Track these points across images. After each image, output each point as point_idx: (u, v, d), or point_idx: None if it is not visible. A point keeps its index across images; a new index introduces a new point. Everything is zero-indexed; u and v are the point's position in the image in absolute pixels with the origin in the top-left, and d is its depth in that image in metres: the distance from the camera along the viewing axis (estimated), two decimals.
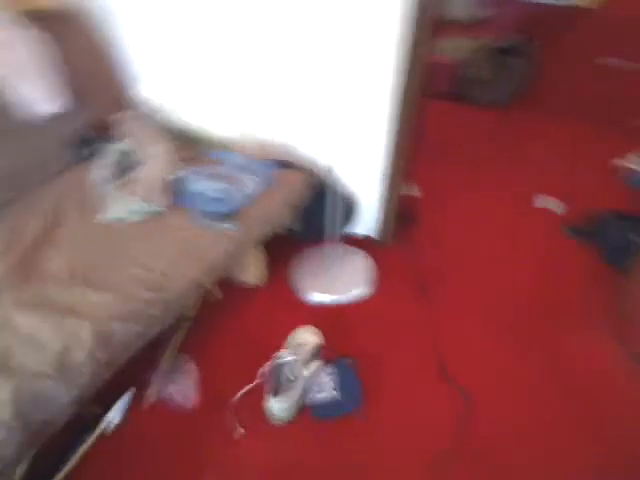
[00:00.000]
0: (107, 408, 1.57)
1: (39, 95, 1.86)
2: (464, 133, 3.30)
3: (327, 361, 1.71)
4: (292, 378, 1.61)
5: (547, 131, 3.33)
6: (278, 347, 1.73)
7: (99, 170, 1.86)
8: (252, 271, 2.03)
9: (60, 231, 1.68)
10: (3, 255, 1.56)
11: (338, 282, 2.09)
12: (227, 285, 1.99)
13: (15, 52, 1.81)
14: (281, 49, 1.92)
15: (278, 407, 1.54)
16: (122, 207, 1.72)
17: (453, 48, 3.52)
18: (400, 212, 2.30)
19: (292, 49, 1.89)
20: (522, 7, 4.00)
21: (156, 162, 1.88)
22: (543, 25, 3.91)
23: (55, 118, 1.93)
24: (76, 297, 1.42)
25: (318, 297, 2.03)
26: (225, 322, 1.93)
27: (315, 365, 1.66)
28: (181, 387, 1.66)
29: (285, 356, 1.64)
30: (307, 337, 1.74)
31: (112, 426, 1.56)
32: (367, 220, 2.27)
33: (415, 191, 2.64)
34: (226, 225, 1.68)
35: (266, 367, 1.67)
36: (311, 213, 2.05)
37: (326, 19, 1.74)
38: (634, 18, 3.68)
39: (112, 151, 1.92)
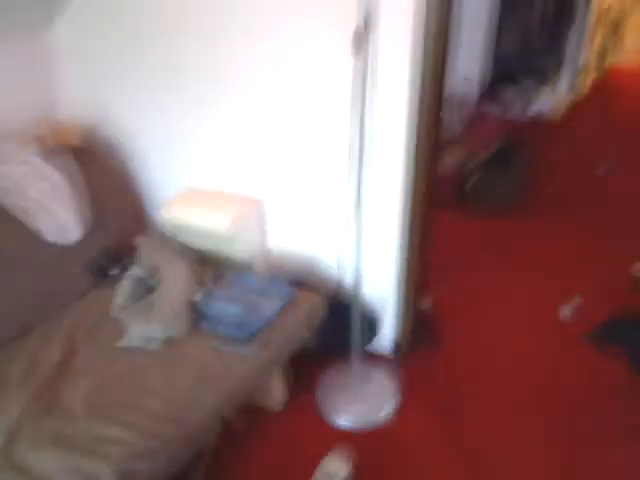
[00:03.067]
0: None
1: (62, 223, 1.91)
2: (470, 242, 3.34)
3: None
4: None
5: (554, 236, 3.37)
6: (307, 476, 1.61)
7: (117, 295, 1.85)
8: (274, 395, 1.95)
9: (78, 360, 1.64)
10: (22, 386, 1.51)
11: (364, 402, 2.02)
12: (249, 411, 1.90)
13: (41, 183, 1.89)
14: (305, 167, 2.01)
15: None
16: (140, 334, 1.69)
17: (446, 161, 3.69)
18: (418, 325, 2.27)
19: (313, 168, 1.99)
20: (496, 121, 4.29)
21: (174, 285, 1.88)
22: (518, 136, 4.16)
23: (77, 243, 1.96)
24: (94, 435, 1.35)
25: (345, 421, 1.94)
26: (249, 451, 1.83)
27: None
28: None
29: None
30: (337, 466, 1.63)
31: None
32: (385, 334, 2.23)
33: (430, 303, 2.62)
34: (245, 350, 1.64)
35: None
36: (330, 330, 2.01)
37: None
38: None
39: (131, 275, 1.92)
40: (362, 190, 1.69)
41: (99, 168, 2.21)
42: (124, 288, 1.89)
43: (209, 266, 2.06)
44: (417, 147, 1.85)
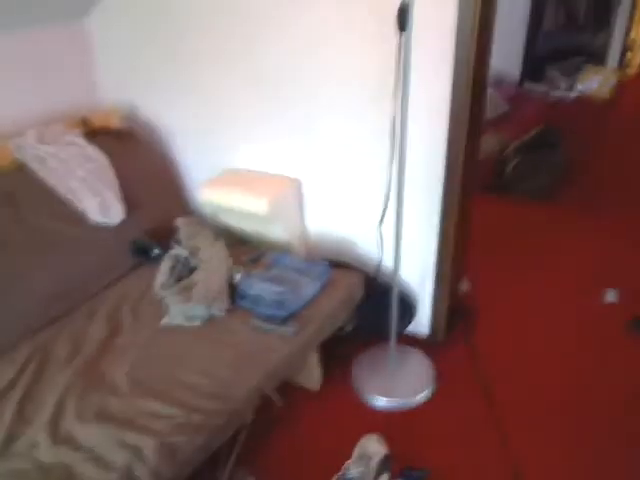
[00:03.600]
0: None
1: (107, 203, 1.95)
2: (509, 226, 3.27)
3: (397, 474, 1.59)
4: None
5: (597, 223, 3.27)
6: (343, 457, 1.62)
7: (159, 275, 1.89)
8: (312, 375, 1.96)
9: (121, 338, 1.68)
10: (68, 363, 1.56)
11: (400, 385, 2.00)
12: (287, 389, 1.93)
13: (86, 165, 1.93)
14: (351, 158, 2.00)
15: None
16: (181, 313, 1.72)
17: (485, 144, 3.60)
18: (454, 308, 2.24)
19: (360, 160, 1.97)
20: (538, 101, 4.14)
21: (214, 266, 1.90)
22: (563, 117, 4.01)
23: (120, 224, 2.00)
24: (138, 409, 1.38)
25: (381, 402, 1.94)
26: (285, 430, 1.84)
27: (385, 479, 1.54)
28: None
29: (353, 470, 1.53)
30: (374, 447, 1.63)
31: None
32: (421, 318, 2.21)
33: (468, 286, 2.58)
34: (285, 329, 1.65)
35: None
36: (367, 312, 2.01)
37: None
38: None
39: (172, 255, 1.96)
40: (403, 172, 1.67)
41: (140, 150, 2.25)
42: (165, 268, 1.92)
43: (248, 247, 2.08)
44: (459, 128, 1.81)
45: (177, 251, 1.99)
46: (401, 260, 1.91)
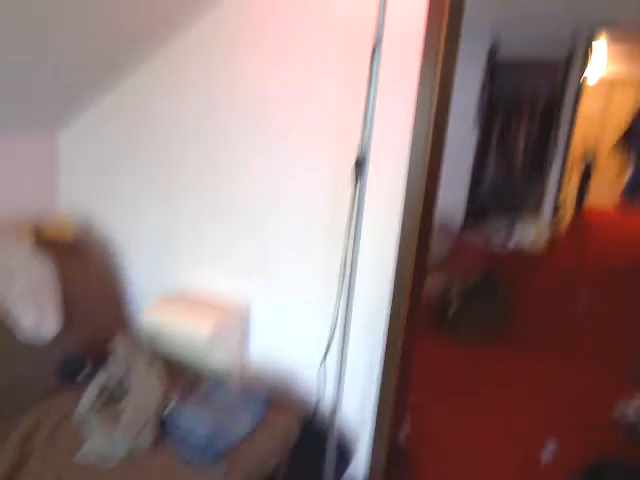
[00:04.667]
0: None
1: (40, 319, 1.87)
2: (450, 370, 3.31)
3: None
4: None
5: (533, 369, 3.36)
6: None
7: (85, 397, 1.77)
8: None
9: (30, 466, 1.53)
10: None
11: None
12: None
13: (25, 278, 1.88)
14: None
15: None
16: (97, 449, 1.60)
17: (428, 286, 3.76)
18: (393, 454, 2.18)
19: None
20: (479, 249, 4.44)
21: (145, 393, 1.81)
22: (501, 265, 4.29)
23: (51, 341, 1.91)
24: None
25: None
26: None
27: None
28: None
29: None
30: None
31: None
32: (359, 461, 2.13)
33: (407, 431, 2.53)
34: (211, 473, 1.55)
35: None
36: (302, 455, 1.92)
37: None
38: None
39: (101, 379, 1.85)
40: (350, 310, 1.70)
41: (88, 264, 2.22)
42: (91, 393, 1.81)
43: (183, 376, 2.00)
44: (403, 272, 1.90)
45: (109, 372, 1.89)
46: (342, 401, 1.88)
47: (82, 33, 1.80)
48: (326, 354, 1.88)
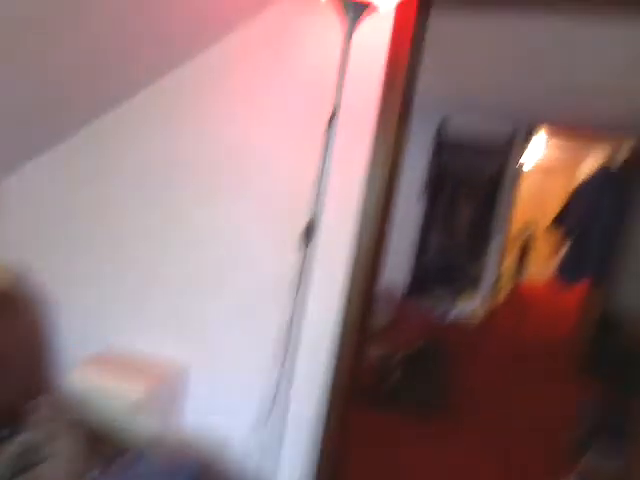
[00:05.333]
0: None
1: None
2: (387, 441, 3.25)
3: None
4: None
5: (473, 441, 3.35)
6: None
7: None
8: None
9: None
10: None
11: None
12: None
13: None
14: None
15: None
16: None
17: (369, 353, 3.75)
18: None
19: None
20: (421, 316, 4.52)
21: (63, 462, 1.67)
22: (442, 334, 4.36)
23: None
24: None
25: None
26: None
27: None
28: None
29: None
30: None
31: None
32: None
33: None
34: None
35: None
36: None
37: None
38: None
39: (15, 444, 1.71)
40: (290, 377, 1.66)
41: (15, 317, 2.10)
42: (6, 456, 1.66)
43: (107, 444, 1.87)
44: (345, 339, 1.88)
45: (26, 438, 1.74)
46: (278, 472, 1.80)
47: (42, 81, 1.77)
48: (264, 422, 1.81)
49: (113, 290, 2.18)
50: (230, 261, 1.99)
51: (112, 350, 2.18)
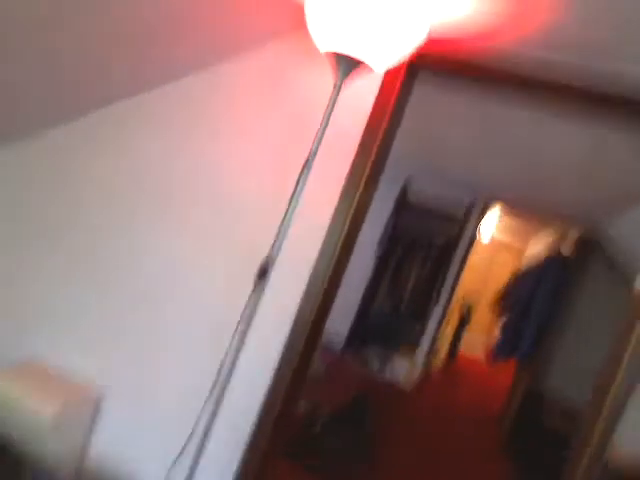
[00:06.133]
0: None
1: None
2: None
3: None
4: None
5: None
6: None
7: None
8: None
9: None
10: None
11: None
12: None
13: None
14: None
15: None
16: None
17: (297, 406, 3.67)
18: None
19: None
20: (354, 373, 4.49)
21: None
22: (373, 393, 4.33)
23: None
24: None
25: None
26: None
27: None
28: None
29: None
30: None
31: None
32: None
33: None
34: None
35: None
36: None
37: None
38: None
39: None
40: (211, 425, 1.59)
41: None
42: None
43: (9, 459, 1.71)
44: (278, 387, 1.83)
45: None
46: None
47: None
48: (175, 462, 1.71)
49: (30, 297, 2.08)
50: (171, 290, 1.92)
51: (25, 363, 2.03)
